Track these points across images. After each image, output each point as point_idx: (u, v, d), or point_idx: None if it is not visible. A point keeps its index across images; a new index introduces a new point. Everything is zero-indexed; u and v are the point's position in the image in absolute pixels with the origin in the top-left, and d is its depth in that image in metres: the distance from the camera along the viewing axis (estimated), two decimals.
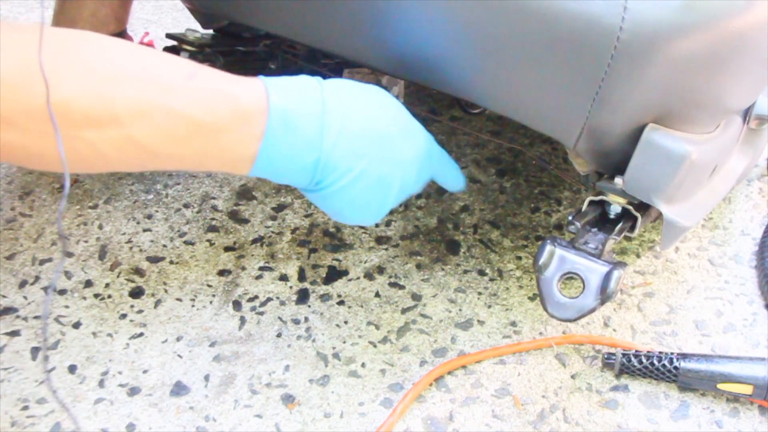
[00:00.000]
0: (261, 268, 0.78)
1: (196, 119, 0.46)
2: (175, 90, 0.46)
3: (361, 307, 0.74)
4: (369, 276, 0.78)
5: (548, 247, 0.62)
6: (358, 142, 0.51)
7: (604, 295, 0.61)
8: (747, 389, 0.64)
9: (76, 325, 0.70)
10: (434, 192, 0.90)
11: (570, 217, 0.64)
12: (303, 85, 0.51)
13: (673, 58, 0.54)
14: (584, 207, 0.66)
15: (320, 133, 0.49)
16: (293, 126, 0.48)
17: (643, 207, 0.65)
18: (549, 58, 0.55)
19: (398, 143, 0.54)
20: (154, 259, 0.78)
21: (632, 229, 0.66)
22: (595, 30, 0.53)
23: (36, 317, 0.71)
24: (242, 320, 0.72)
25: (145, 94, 0.45)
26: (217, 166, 0.49)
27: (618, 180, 0.63)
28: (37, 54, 0.43)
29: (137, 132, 0.45)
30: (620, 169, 0.62)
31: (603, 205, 0.67)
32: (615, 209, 0.66)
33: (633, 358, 0.67)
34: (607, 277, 0.61)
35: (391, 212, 0.86)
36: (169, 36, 0.85)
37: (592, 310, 0.61)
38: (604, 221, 0.67)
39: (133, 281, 0.76)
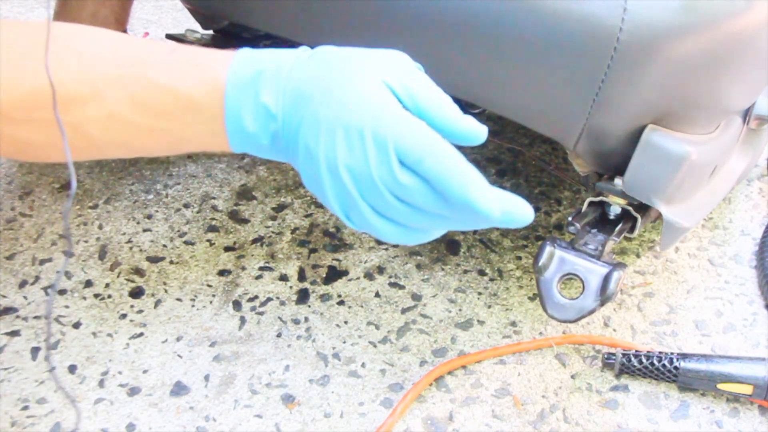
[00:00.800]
0: (261, 268, 0.78)
1: (175, 90, 0.46)
2: (155, 63, 0.46)
3: (361, 307, 0.74)
4: (369, 276, 0.78)
5: (548, 248, 0.63)
6: (290, 104, 0.45)
7: (604, 296, 0.61)
8: (747, 389, 0.64)
9: (76, 325, 0.70)
10: None
11: (570, 218, 0.64)
12: (275, 54, 0.46)
13: (672, 59, 0.54)
14: (584, 208, 0.66)
15: (275, 100, 0.45)
16: (251, 93, 0.45)
17: (643, 208, 0.65)
18: (549, 59, 0.55)
19: (323, 105, 0.43)
20: (154, 259, 0.78)
21: (632, 229, 0.66)
22: (594, 31, 0.53)
23: (36, 317, 0.71)
24: (242, 320, 0.72)
25: (126, 69, 0.45)
26: (201, 141, 0.48)
27: (618, 181, 0.63)
28: (28, 45, 0.44)
29: (118, 106, 0.45)
30: (620, 170, 0.62)
31: (603, 206, 0.67)
32: (615, 210, 0.66)
33: (633, 358, 0.67)
34: (607, 278, 0.61)
35: None
36: (168, 37, 0.85)
37: (592, 312, 0.61)
38: (603, 222, 0.67)
39: (133, 281, 0.76)
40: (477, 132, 0.44)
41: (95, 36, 0.47)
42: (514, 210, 0.42)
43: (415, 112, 0.44)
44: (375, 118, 0.42)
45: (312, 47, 0.51)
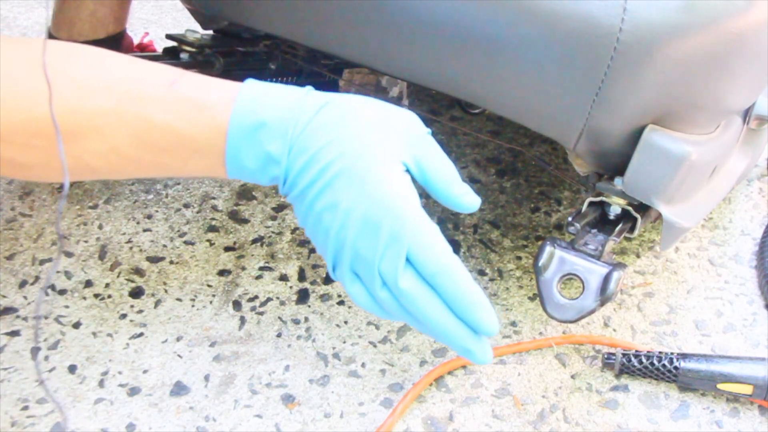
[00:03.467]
0: (261, 268, 0.78)
1: (174, 130, 0.46)
2: (155, 100, 0.46)
3: None
4: None
5: (548, 249, 0.63)
6: (302, 160, 0.45)
7: (604, 296, 0.61)
8: (747, 389, 0.64)
9: (76, 325, 0.70)
10: None
11: (570, 219, 0.64)
12: (280, 95, 0.47)
13: (672, 58, 0.54)
14: (584, 208, 0.66)
15: (281, 149, 0.46)
16: (253, 139, 0.46)
17: (643, 208, 0.65)
18: (549, 58, 0.55)
19: (342, 178, 0.45)
20: (154, 259, 0.78)
21: (632, 230, 0.66)
22: (594, 31, 0.53)
23: (36, 317, 0.71)
24: (242, 320, 0.72)
25: (125, 104, 0.45)
26: (200, 172, 0.49)
27: (618, 181, 0.63)
28: (28, 70, 0.44)
29: (118, 143, 0.46)
30: (620, 170, 0.62)
31: (603, 206, 0.67)
32: (615, 210, 0.66)
33: (633, 358, 0.67)
34: (607, 278, 0.61)
35: None
36: (168, 37, 0.85)
37: (592, 312, 0.61)
38: (603, 222, 0.67)
39: (133, 281, 0.76)
40: (472, 204, 0.48)
41: (92, 60, 0.47)
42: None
43: (420, 179, 0.47)
44: (396, 217, 0.44)
45: (312, 48, 0.51)
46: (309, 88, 0.48)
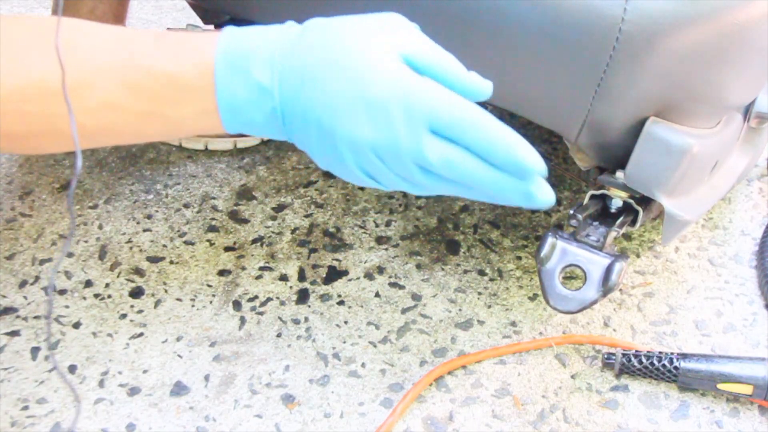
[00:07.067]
0: (261, 268, 0.78)
1: (166, 73, 0.46)
2: (143, 49, 0.46)
3: (361, 307, 0.74)
4: (369, 276, 0.78)
5: (550, 240, 0.62)
6: (294, 81, 0.45)
7: (606, 287, 0.60)
8: (747, 389, 0.64)
9: (76, 325, 0.70)
10: None
11: (571, 211, 0.64)
12: (263, 30, 0.46)
13: (674, 50, 0.54)
14: (585, 201, 0.66)
15: (270, 76, 0.45)
16: (242, 71, 0.45)
17: (645, 201, 0.65)
18: (550, 50, 0.55)
19: (335, 81, 0.44)
20: (154, 259, 0.78)
21: (633, 222, 0.66)
22: (596, 22, 0.53)
23: (36, 317, 0.71)
24: (242, 320, 0.72)
25: (115, 57, 0.46)
26: (193, 122, 0.48)
27: (619, 173, 0.63)
28: (24, 39, 0.45)
29: (110, 94, 0.46)
30: (621, 163, 0.62)
31: (604, 199, 0.66)
32: (616, 203, 0.66)
33: (633, 358, 0.67)
34: (609, 269, 0.61)
35: (391, 212, 0.86)
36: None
37: (594, 302, 0.61)
38: (605, 215, 0.67)
39: (133, 281, 0.76)
40: (483, 86, 0.46)
41: (84, 28, 0.48)
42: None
43: (425, 74, 0.44)
44: (404, 93, 0.42)
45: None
46: (290, 22, 0.47)
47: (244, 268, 0.78)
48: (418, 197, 0.89)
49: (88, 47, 0.46)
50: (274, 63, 0.45)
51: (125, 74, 0.46)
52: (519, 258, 0.81)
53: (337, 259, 0.80)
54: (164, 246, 0.80)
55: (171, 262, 0.78)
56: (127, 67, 0.46)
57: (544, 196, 0.45)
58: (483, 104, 0.97)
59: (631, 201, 0.65)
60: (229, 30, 0.47)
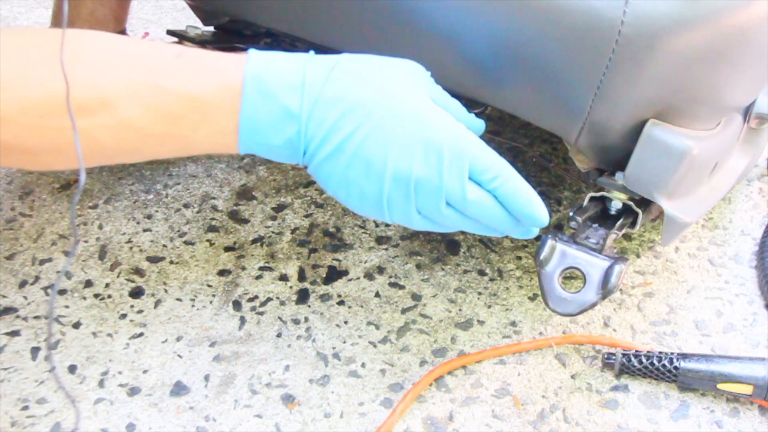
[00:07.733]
0: (261, 268, 0.78)
1: (185, 94, 0.46)
2: (163, 69, 0.46)
3: (361, 307, 0.74)
4: (369, 276, 0.78)
5: (549, 242, 0.63)
6: (335, 112, 0.47)
7: (606, 289, 0.61)
8: (747, 389, 0.64)
9: (76, 325, 0.70)
10: None
11: (571, 213, 0.64)
12: (288, 57, 0.48)
13: (674, 52, 0.54)
14: (585, 203, 0.66)
15: (300, 102, 0.47)
16: (269, 94, 0.47)
17: (644, 203, 0.65)
18: (550, 52, 0.55)
19: (390, 118, 0.47)
20: (154, 259, 0.78)
21: (633, 224, 0.66)
22: (596, 24, 0.53)
23: (36, 317, 0.71)
24: (242, 320, 0.72)
25: (135, 75, 0.46)
26: (210, 142, 0.49)
27: (619, 176, 0.63)
28: (39, 53, 0.44)
29: (129, 114, 0.46)
30: (621, 165, 0.62)
31: (604, 201, 0.67)
32: (616, 205, 0.66)
33: (633, 358, 0.67)
34: (609, 271, 0.61)
35: None
36: (170, 33, 0.85)
37: (594, 305, 0.61)
38: (604, 217, 0.67)
39: (133, 281, 0.76)
40: (481, 125, 0.56)
41: (101, 42, 0.47)
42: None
43: None
44: (453, 136, 0.48)
45: (313, 43, 0.53)
46: (311, 52, 0.50)
47: (244, 268, 0.78)
48: None
49: (105, 63, 0.46)
50: (305, 90, 0.47)
51: (146, 95, 0.46)
52: (519, 258, 0.81)
53: (337, 259, 0.80)
54: (164, 246, 0.80)
55: (171, 262, 0.78)
56: (148, 86, 0.46)
57: (536, 232, 0.54)
58: (483, 105, 0.98)
59: (631, 203, 0.65)
60: (256, 53, 0.48)
